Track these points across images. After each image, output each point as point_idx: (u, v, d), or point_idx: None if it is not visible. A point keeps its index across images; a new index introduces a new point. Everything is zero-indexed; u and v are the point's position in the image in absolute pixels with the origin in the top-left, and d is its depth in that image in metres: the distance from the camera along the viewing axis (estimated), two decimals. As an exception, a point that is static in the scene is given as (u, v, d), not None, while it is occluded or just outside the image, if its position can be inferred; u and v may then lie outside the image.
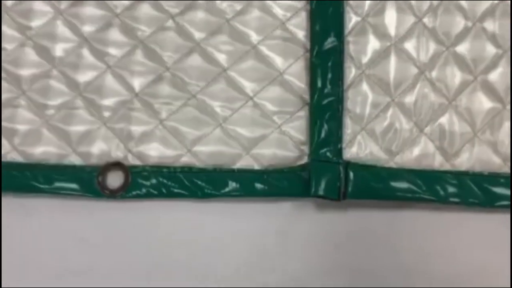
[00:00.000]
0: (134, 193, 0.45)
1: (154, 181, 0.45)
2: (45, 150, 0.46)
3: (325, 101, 0.46)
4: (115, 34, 0.48)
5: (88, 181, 0.45)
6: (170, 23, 0.48)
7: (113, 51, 0.48)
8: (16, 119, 0.46)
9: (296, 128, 0.47)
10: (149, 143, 0.46)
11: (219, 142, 0.46)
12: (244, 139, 0.46)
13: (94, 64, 0.48)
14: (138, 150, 0.46)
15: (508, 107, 0.47)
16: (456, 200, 0.44)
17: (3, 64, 0.47)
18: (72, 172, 0.45)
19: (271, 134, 0.46)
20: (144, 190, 0.45)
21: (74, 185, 0.45)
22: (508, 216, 0.45)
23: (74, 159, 0.46)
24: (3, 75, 0.47)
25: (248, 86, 0.47)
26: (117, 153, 0.46)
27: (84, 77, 0.47)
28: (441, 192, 0.44)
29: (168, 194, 0.45)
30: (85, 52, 0.48)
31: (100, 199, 0.45)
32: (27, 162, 0.46)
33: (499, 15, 0.48)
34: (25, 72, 0.47)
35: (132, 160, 0.46)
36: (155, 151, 0.46)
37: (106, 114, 0.47)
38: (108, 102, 0.47)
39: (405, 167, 0.45)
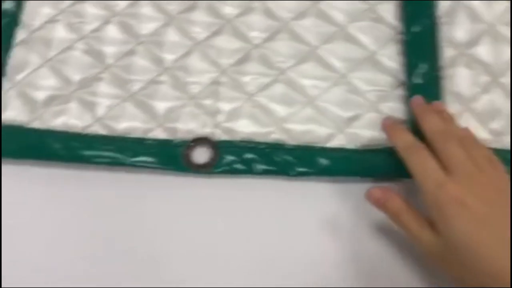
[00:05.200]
0: (220, 169, 0.42)
1: (242, 156, 0.43)
2: (130, 125, 0.44)
3: (423, 80, 0.44)
4: (200, 15, 0.47)
5: (172, 156, 0.43)
6: (257, 3, 0.48)
7: (198, 29, 0.47)
8: (99, 93, 0.45)
9: (393, 108, 0.45)
10: (238, 119, 0.44)
11: (310, 120, 0.44)
12: (337, 118, 0.44)
13: (179, 42, 0.47)
14: (226, 125, 0.44)
15: None
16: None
17: (87, 39, 0.47)
18: (157, 146, 0.43)
19: (366, 113, 0.44)
20: (231, 166, 0.42)
21: (157, 159, 0.43)
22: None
23: (160, 134, 0.44)
24: (86, 48, 0.46)
25: (339, 65, 0.46)
26: (204, 130, 0.44)
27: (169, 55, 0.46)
28: None
29: (255, 171, 0.42)
30: (170, 30, 0.47)
31: (181, 175, 0.42)
32: (110, 135, 0.43)
33: None
34: (109, 49, 0.46)
35: (219, 136, 0.44)
36: (244, 127, 0.44)
37: (193, 90, 0.45)
38: (194, 78, 0.45)
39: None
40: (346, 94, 0.45)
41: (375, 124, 0.43)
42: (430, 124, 0.39)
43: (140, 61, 0.46)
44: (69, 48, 0.46)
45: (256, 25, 0.47)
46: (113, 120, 0.44)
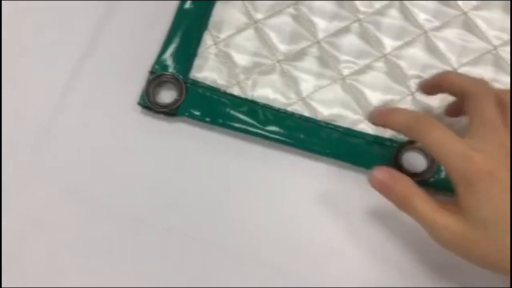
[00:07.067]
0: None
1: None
2: (337, 112, 0.39)
3: None
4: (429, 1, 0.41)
5: (378, 156, 0.37)
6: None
7: (425, 16, 0.41)
8: (305, 68, 0.40)
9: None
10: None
11: None
12: None
13: (402, 27, 0.41)
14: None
15: None
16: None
17: (298, 6, 0.42)
18: (364, 142, 0.38)
19: None
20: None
21: (360, 156, 0.37)
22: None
23: (368, 128, 0.38)
24: (296, 14, 0.41)
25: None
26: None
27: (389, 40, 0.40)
28: None
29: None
30: (393, 12, 0.41)
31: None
32: (314, 118, 0.39)
33: None
34: (321, 21, 0.41)
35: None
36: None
37: (413, 86, 0.39)
38: (415, 71, 0.40)
39: None
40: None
41: None
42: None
43: (355, 40, 0.41)
44: (278, 12, 0.42)
45: (496, 24, 0.40)
46: (319, 103, 0.39)
